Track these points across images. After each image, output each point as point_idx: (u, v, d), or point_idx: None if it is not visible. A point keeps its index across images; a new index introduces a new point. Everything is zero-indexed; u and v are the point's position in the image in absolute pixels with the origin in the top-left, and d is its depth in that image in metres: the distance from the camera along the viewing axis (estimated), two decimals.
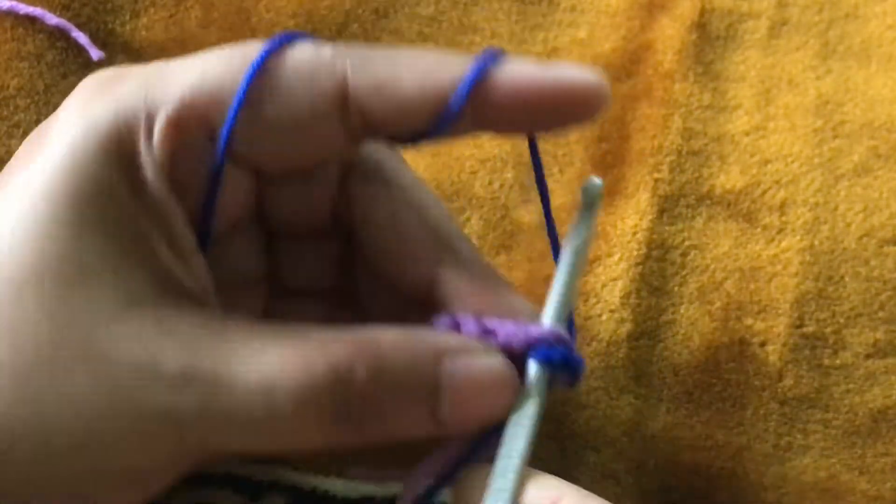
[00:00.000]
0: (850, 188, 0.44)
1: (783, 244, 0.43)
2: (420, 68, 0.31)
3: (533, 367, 0.31)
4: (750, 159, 0.45)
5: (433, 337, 0.31)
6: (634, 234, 0.43)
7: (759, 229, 0.44)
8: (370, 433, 0.31)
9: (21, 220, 0.30)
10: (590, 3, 0.47)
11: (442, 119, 0.31)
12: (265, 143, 0.32)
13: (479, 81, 0.31)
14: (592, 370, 0.41)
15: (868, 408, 0.41)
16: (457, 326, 0.32)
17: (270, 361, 0.30)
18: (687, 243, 0.43)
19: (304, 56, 0.31)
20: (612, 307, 0.42)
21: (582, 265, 0.33)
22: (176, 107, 0.31)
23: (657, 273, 0.43)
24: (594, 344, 0.41)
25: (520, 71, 0.31)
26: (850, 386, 0.41)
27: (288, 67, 0.31)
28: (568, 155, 0.44)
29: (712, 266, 0.43)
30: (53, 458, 0.30)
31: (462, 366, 0.31)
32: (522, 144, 0.45)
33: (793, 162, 0.45)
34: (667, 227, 0.43)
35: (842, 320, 0.42)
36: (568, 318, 0.33)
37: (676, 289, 0.43)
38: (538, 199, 0.44)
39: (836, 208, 0.44)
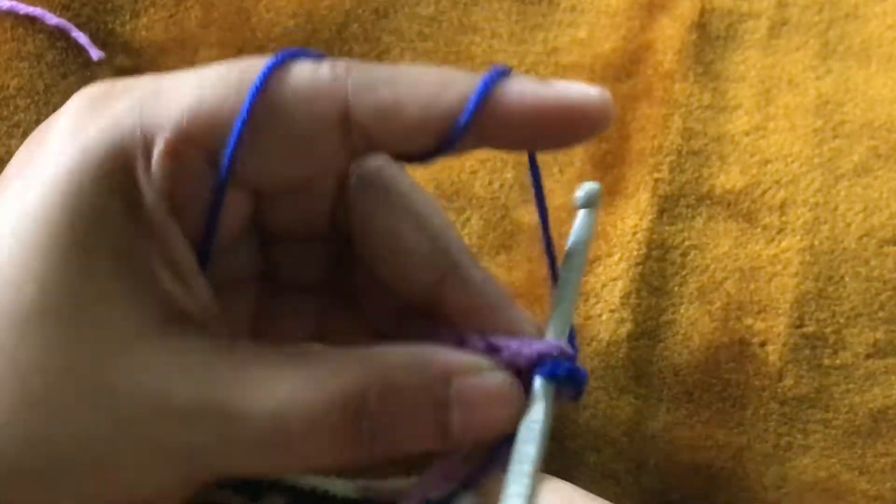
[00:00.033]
0: (850, 188, 0.44)
1: (783, 244, 0.43)
2: (422, 91, 0.31)
3: (539, 381, 0.32)
4: (750, 159, 0.45)
5: (441, 355, 0.32)
6: (634, 234, 0.43)
7: (759, 229, 0.44)
8: (381, 452, 0.31)
9: (21, 252, 0.30)
10: (590, 3, 0.47)
11: (446, 141, 0.31)
12: (265, 165, 0.31)
13: (484, 102, 0.31)
14: (592, 370, 0.41)
15: (868, 408, 0.41)
16: (462, 342, 0.32)
17: (281, 389, 0.30)
18: (687, 243, 0.43)
19: (303, 77, 0.31)
20: (612, 307, 0.42)
21: (581, 273, 0.34)
22: (174, 132, 0.30)
23: (657, 273, 0.43)
24: (594, 344, 0.41)
25: (524, 90, 0.31)
26: (850, 386, 0.41)
27: (287, 90, 0.31)
28: (568, 155, 0.44)
29: (712, 266, 0.43)
30: (64, 491, 0.30)
31: (470, 384, 0.31)
32: None
33: (793, 162, 0.45)
34: (667, 227, 0.43)
35: (842, 320, 0.42)
36: (570, 331, 0.33)
37: (676, 289, 0.43)
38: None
39: (836, 208, 0.44)
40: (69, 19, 0.44)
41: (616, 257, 0.43)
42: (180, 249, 0.31)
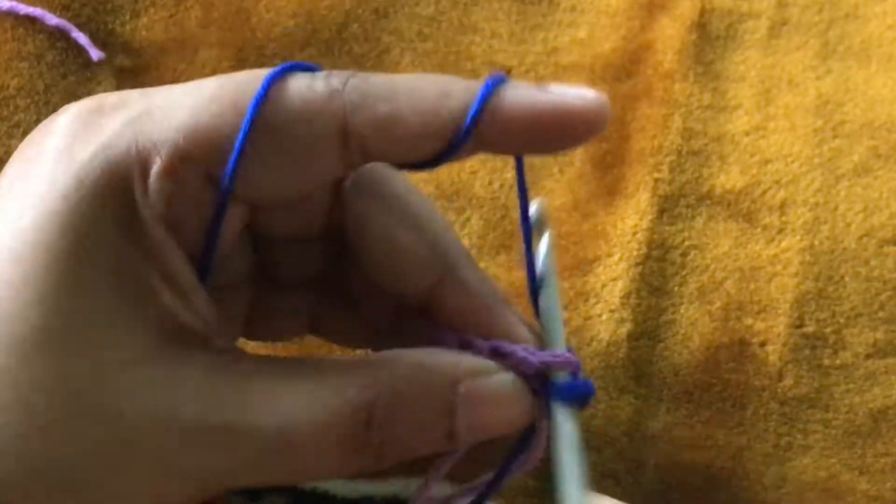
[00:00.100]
0: (850, 188, 0.44)
1: (783, 244, 0.43)
2: (421, 102, 0.31)
3: (560, 408, 0.32)
4: (750, 159, 0.45)
5: (446, 360, 0.32)
6: (634, 234, 0.43)
7: (759, 229, 0.44)
8: (388, 459, 0.31)
9: (20, 277, 0.29)
10: (590, 3, 0.47)
11: (445, 151, 0.31)
12: (264, 180, 0.31)
13: (483, 110, 0.31)
14: (592, 370, 0.41)
15: (868, 408, 0.41)
16: (465, 345, 0.32)
17: (287, 403, 0.30)
18: (687, 243, 0.43)
19: (300, 92, 0.31)
20: (612, 307, 0.42)
21: (558, 290, 0.35)
22: (172, 151, 0.30)
23: (657, 273, 0.43)
24: (594, 344, 0.41)
25: (521, 96, 0.31)
26: (850, 386, 0.41)
27: (285, 105, 0.31)
28: (568, 155, 0.44)
29: (712, 266, 0.43)
30: None
31: (476, 387, 0.31)
32: None
33: (793, 162, 0.45)
34: (667, 227, 0.43)
35: (842, 320, 0.42)
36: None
37: (676, 289, 0.43)
38: (536, 197, 0.44)
39: (836, 208, 0.44)
40: (69, 19, 0.44)
41: (616, 257, 0.43)
42: (179, 266, 0.31)
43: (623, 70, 0.46)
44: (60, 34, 0.44)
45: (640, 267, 0.43)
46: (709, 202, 0.44)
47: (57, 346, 0.29)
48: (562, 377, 0.32)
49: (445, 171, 0.44)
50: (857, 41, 0.47)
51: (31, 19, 0.44)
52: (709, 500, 0.40)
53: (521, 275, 0.42)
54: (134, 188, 0.30)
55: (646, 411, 0.41)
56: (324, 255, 0.36)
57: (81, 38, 0.44)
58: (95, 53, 0.44)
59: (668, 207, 0.44)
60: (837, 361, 0.42)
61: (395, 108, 0.31)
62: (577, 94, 0.31)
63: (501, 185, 0.44)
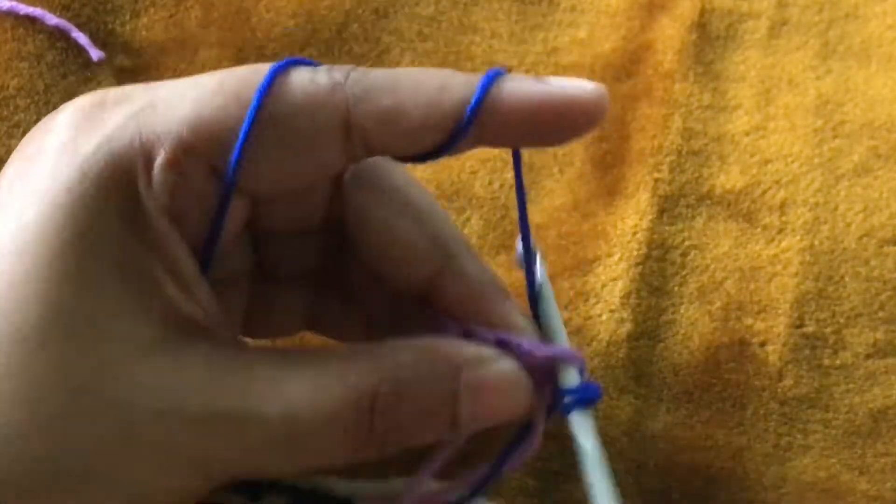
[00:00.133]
0: (850, 188, 0.45)
1: (783, 244, 0.43)
2: (422, 95, 0.31)
3: (577, 416, 0.33)
4: (750, 159, 0.45)
5: (449, 348, 0.32)
6: (634, 234, 0.43)
7: (759, 229, 0.44)
8: (393, 446, 0.31)
9: (23, 271, 0.29)
10: (590, 3, 0.47)
11: (446, 143, 0.31)
12: (267, 172, 0.31)
13: (483, 103, 0.31)
14: (592, 370, 0.41)
15: (868, 408, 0.41)
16: (467, 334, 0.33)
17: (292, 391, 0.30)
18: (687, 243, 0.43)
19: (302, 85, 0.31)
20: (612, 307, 0.42)
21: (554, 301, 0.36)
22: (176, 143, 0.30)
23: (657, 273, 0.43)
24: (594, 344, 0.41)
25: (520, 88, 0.31)
26: (850, 386, 0.41)
27: (288, 99, 0.31)
28: (568, 155, 0.44)
29: (712, 266, 0.43)
30: (78, 500, 0.30)
31: (479, 375, 0.32)
32: None
33: (793, 162, 0.45)
34: (667, 227, 0.43)
35: (842, 320, 0.42)
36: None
37: (676, 289, 0.43)
38: (537, 198, 0.44)
39: (836, 208, 0.44)
40: (69, 19, 0.44)
41: (616, 257, 0.43)
42: (182, 258, 0.31)
43: (623, 70, 0.46)
44: (60, 34, 0.44)
45: (640, 267, 0.43)
46: (709, 202, 0.44)
47: (59, 340, 0.29)
48: (571, 377, 0.33)
49: (445, 172, 0.44)
50: (857, 41, 0.47)
51: (31, 19, 0.44)
52: (709, 500, 0.40)
53: (520, 275, 0.42)
54: (138, 180, 0.30)
55: (646, 411, 0.41)
56: (322, 250, 0.36)
57: (81, 38, 0.44)
58: (95, 53, 0.44)
59: (668, 207, 0.44)
60: (837, 361, 0.42)
61: (397, 101, 0.31)
62: (575, 85, 0.32)
63: (501, 185, 0.44)
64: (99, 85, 0.44)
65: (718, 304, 0.42)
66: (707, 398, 0.41)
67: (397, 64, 0.46)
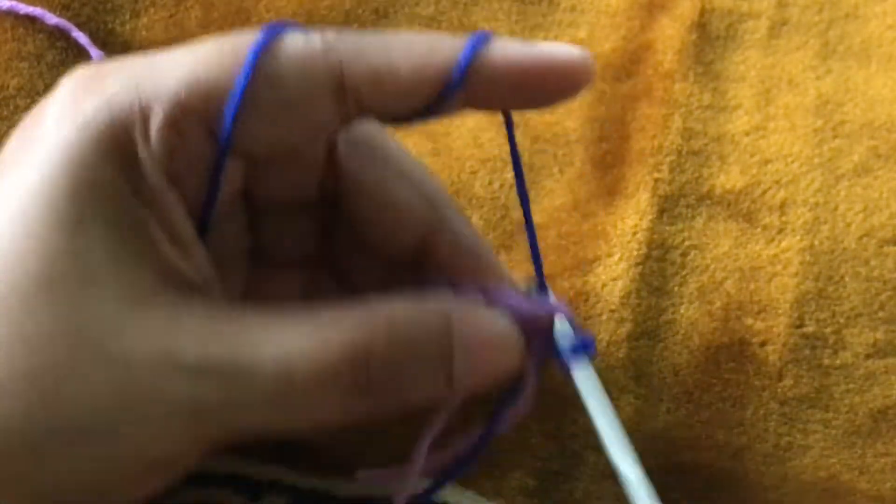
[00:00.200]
0: (850, 188, 0.45)
1: (783, 244, 0.43)
2: (414, 54, 0.32)
3: (578, 369, 0.33)
4: (750, 159, 0.45)
5: (441, 302, 0.32)
6: (634, 234, 0.43)
7: (759, 229, 0.44)
8: (388, 403, 0.32)
9: (24, 226, 0.30)
10: (590, 3, 0.47)
11: (437, 102, 0.32)
12: (262, 132, 0.32)
13: (472, 62, 0.31)
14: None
15: (868, 408, 0.41)
16: (455, 291, 0.33)
17: (286, 343, 0.31)
18: (687, 243, 0.43)
19: (297, 46, 0.32)
20: (612, 307, 0.42)
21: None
22: (172, 104, 0.31)
23: (657, 273, 0.43)
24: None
25: (509, 49, 0.32)
26: (850, 386, 0.41)
27: (282, 59, 0.31)
28: (568, 155, 0.44)
29: (712, 266, 0.43)
30: (76, 454, 0.30)
31: (472, 326, 0.32)
32: (522, 144, 0.45)
33: (793, 162, 0.45)
34: (667, 227, 0.43)
35: (842, 320, 0.42)
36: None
37: (676, 289, 0.43)
38: (537, 198, 0.44)
39: (836, 208, 0.44)
40: (69, 19, 0.44)
41: (616, 257, 0.43)
42: (180, 218, 0.32)
43: (623, 70, 0.46)
44: (60, 34, 0.44)
45: (640, 267, 0.43)
46: (709, 202, 0.44)
47: (58, 290, 0.30)
48: (565, 329, 0.33)
49: (445, 172, 0.44)
50: (857, 41, 0.47)
51: (31, 19, 0.44)
52: (709, 500, 0.40)
53: (520, 275, 0.42)
54: (136, 140, 0.31)
55: (646, 411, 0.41)
56: (315, 231, 0.36)
57: (81, 37, 0.44)
58: (95, 53, 0.44)
59: (668, 207, 0.44)
60: (837, 361, 0.42)
61: (389, 60, 0.32)
62: (563, 48, 0.33)
63: (501, 185, 0.44)
64: None
65: (718, 304, 0.42)
66: (707, 398, 0.41)
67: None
